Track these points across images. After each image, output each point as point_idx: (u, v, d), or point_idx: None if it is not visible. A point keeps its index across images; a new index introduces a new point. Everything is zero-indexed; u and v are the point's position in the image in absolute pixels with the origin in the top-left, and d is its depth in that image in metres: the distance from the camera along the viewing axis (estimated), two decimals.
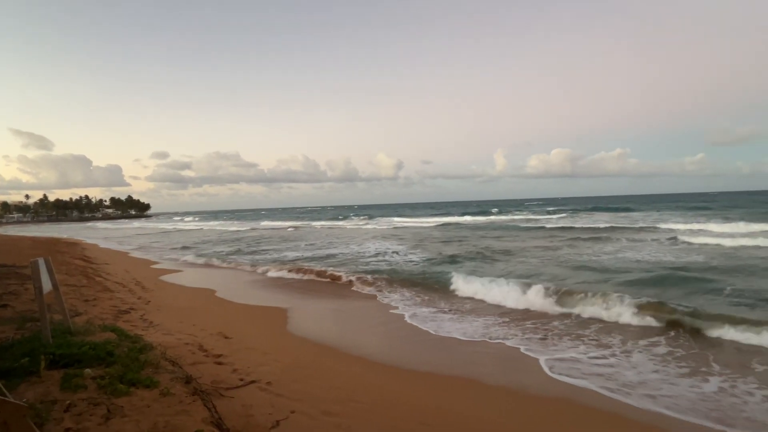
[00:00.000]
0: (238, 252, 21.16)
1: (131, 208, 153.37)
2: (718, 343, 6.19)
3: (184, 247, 24.85)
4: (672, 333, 6.64)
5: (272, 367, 5.49)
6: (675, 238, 18.03)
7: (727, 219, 27.16)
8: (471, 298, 9.40)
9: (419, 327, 7.50)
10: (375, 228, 36.85)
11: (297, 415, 4.07)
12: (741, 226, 21.24)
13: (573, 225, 27.96)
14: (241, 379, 4.91)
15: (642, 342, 6.35)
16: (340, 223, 49.12)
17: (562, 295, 8.47)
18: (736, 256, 13.21)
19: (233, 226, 51.04)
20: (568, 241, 19.49)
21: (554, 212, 49.14)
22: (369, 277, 11.91)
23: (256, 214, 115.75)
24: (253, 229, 44.54)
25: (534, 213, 49.68)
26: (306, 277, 12.86)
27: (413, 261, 15.17)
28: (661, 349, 6.00)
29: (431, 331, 7.21)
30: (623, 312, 7.43)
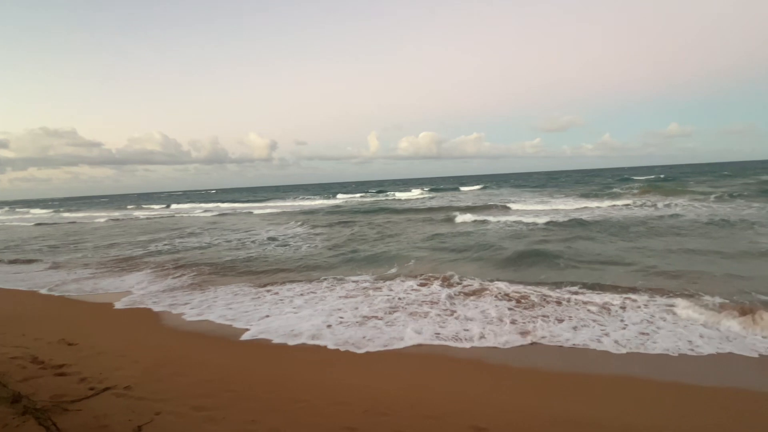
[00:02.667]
0: None
1: None
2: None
3: None
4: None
5: (131, 370, 4.93)
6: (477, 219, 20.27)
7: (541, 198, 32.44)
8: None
9: (291, 305, 7.44)
10: (205, 216, 33.68)
11: (163, 416, 3.74)
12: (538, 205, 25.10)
13: (435, 206, 29.97)
14: (92, 388, 4.32)
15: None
16: (181, 212, 42.06)
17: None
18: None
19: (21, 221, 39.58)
20: (422, 221, 20.80)
21: (419, 191, 52.61)
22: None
23: (89, 202, 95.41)
24: (39, 224, 34.06)
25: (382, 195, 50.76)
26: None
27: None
28: None
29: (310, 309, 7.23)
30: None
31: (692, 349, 4.99)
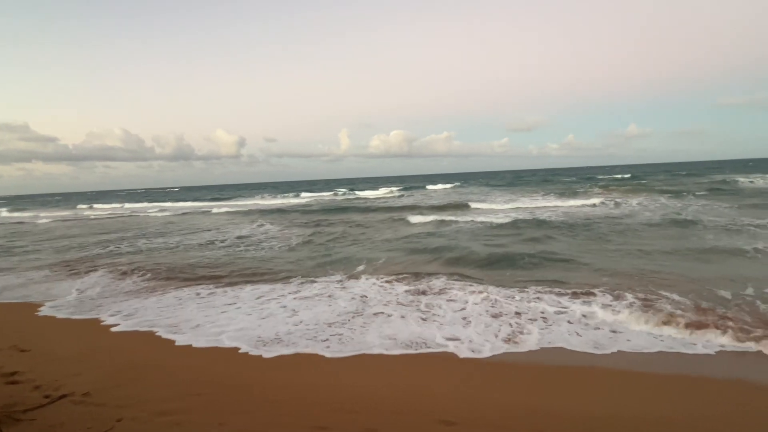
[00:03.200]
0: None
1: None
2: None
3: None
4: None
5: (91, 375, 4.73)
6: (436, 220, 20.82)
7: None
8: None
9: (264, 309, 7.32)
10: (162, 216, 31.83)
11: (125, 423, 3.61)
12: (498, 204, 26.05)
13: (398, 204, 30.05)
14: (47, 396, 4.12)
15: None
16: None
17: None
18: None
19: None
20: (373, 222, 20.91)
21: (392, 189, 52.72)
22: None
23: (42, 200, 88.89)
24: None
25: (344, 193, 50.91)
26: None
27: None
28: None
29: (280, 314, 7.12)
30: None
31: (664, 347, 5.12)
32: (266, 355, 5.35)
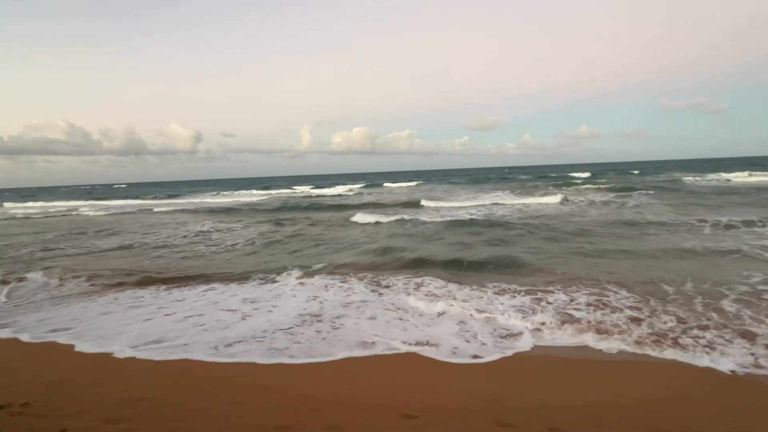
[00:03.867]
0: None
1: None
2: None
3: None
4: None
5: (31, 385, 4.41)
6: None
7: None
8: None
9: (221, 311, 7.09)
10: (97, 215, 28.97)
11: None
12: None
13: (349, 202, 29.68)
14: None
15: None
16: None
17: None
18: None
19: None
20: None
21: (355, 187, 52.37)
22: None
23: None
24: None
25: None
26: None
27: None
28: None
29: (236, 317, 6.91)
30: None
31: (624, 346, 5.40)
32: (222, 360, 5.15)
